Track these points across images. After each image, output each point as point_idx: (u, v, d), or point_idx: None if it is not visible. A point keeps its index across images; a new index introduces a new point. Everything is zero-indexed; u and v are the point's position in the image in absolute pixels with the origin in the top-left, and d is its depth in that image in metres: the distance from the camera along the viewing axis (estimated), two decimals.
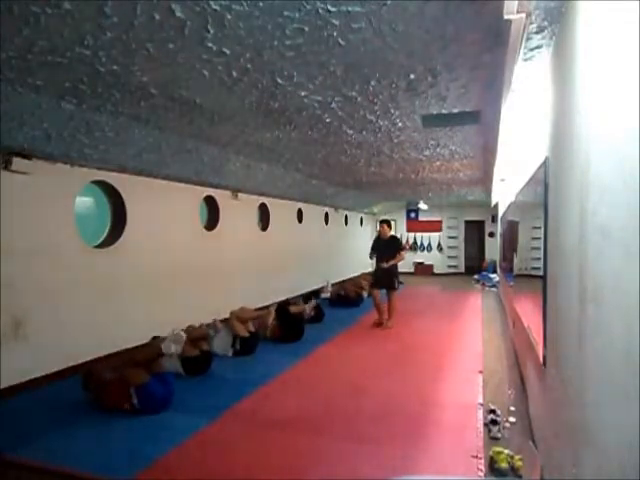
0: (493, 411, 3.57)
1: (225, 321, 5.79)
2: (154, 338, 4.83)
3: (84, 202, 5.79)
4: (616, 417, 1.18)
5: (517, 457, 2.85)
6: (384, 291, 7.32)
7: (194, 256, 6.45)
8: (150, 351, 4.19)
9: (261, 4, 2.11)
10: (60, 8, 2.12)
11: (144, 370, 3.84)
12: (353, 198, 11.92)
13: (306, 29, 2.37)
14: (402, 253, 7.40)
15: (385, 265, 7.09)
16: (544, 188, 2.59)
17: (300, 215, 10.29)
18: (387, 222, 7.55)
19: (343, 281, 11.50)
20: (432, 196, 12.96)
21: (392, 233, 7.71)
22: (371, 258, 7.67)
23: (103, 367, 4.21)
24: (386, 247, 7.27)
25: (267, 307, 7.02)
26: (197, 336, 4.95)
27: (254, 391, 4.29)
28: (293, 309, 7.12)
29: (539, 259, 2.84)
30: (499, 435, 3.28)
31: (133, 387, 3.69)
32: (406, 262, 17.33)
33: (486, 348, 5.93)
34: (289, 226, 9.76)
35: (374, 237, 7.86)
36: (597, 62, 1.48)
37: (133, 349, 4.83)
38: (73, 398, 3.95)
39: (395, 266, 7.32)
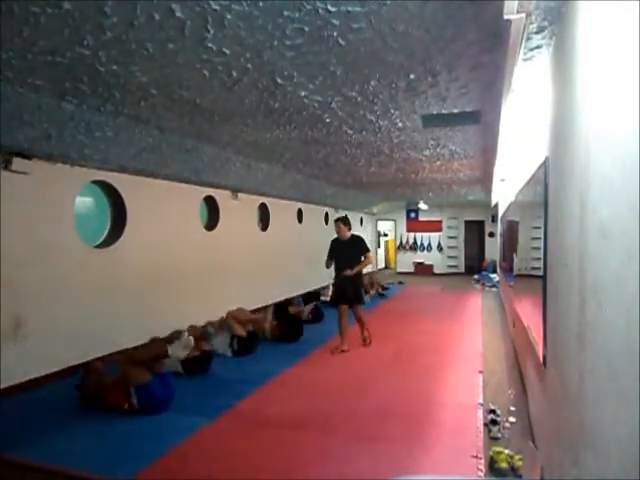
0: (493, 411, 3.57)
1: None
2: (152, 339, 4.82)
3: (84, 202, 5.79)
4: (616, 417, 1.18)
5: (517, 457, 2.85)
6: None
7: (194, 256, 6.45)
8: (154, 351, 4.17)
9: (261, 4, 2.11)
10: (60, 8, 2.11)
11: (145, 370, 3.83)
12: (353, 198, 11.90)
13: (306, 29, 2.37)
14: (369, 256, 5.96)
15: (349, 273, 5.69)
16: (544, 188, 2.59)
17: (300, 215, 10.29)
18: (343, 219, 5.97)
19: None
20: (432, 196, 12.96)
21: (353, 232, 6.10)
22: (328, 266, 6.03)
23: (102, 365, 4.21)
24: (347, 250, 5.84)
25: (265, 308, 7.03)
26: (197, 336, 4.95)
27: (254, 391, 4.29)
28: (291, 309, 7.12)
29: (539, 259, 2.84)
30: (499, 435, 3.28)
31: (133, 387, 3.69)
32: (406, 262, 17.54)
33: (486, 348, 5.93)
34: (289, 226, 9.76)
35: (331, 240, 6.10)
36: (597, 62, 1.48)
37: (134, 349, 4.82)
38: (73, 398, 3.95)
39: (360, 274, 5.98)
